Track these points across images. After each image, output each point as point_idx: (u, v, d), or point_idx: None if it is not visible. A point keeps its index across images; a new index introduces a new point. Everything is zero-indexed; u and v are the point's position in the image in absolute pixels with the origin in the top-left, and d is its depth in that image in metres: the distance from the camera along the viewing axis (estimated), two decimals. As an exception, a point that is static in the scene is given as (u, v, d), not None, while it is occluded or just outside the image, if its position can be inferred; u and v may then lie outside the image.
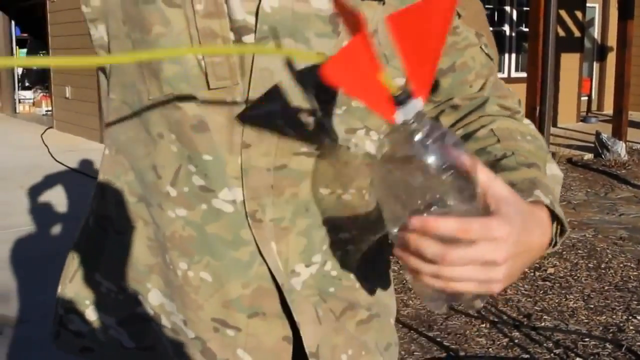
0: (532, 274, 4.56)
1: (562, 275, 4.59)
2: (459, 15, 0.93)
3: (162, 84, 0.82)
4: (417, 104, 0.58)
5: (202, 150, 0.82)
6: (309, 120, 0.84)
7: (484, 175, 0.66)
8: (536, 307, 4.04)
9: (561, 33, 10.81)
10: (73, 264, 0.97)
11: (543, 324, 3.81)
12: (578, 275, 4.60)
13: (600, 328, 3.77)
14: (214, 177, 0.82)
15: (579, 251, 5.09)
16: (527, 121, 0.96)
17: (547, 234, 0.75)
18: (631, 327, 3.78)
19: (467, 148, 0.70)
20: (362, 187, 0.89)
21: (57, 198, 6.51)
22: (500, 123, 0.92)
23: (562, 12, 10.70)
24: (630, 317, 3.91)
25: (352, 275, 0.94)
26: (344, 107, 0.85)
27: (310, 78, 0.82)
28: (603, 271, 4.69)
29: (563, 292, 4.29)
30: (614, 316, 3.93)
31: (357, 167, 0.88)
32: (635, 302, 4.14)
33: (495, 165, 0.84)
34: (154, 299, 0.90)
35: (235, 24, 0.79)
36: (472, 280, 0.64)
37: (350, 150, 0.87)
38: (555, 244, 0.79)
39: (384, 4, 0.83)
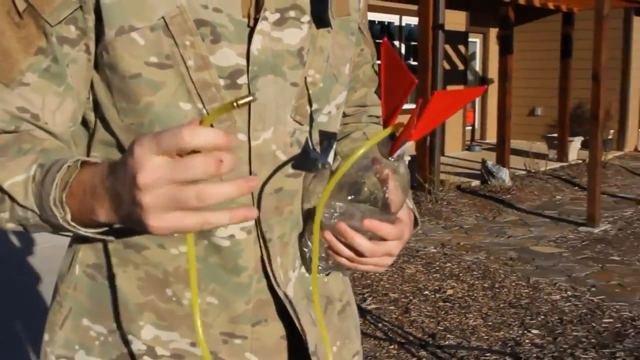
0: (433, 296, 4.80)
1: (460, 295, 4.84)
2: (364, 38, 1.14)
3: None
4: (407, 144, 0.82)
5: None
6: (292, 140, 0.95)
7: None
8: (439, 327, 4.25)
9: (446, 66, 11.35)
10: (61, 311, 1.00)
11: (447, 342, 4.02)
12: (475, 295, 4.87)
13: (500, 343, 4.02)
14: None
15: (474, 272, 5.39)
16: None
17: (412, 229, 1.03)
18: (527, 341, 4.05)
19: (342, 144, 1.15)
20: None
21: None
22: (370, 128, 1.20)
23: (447, 47, 11.26)
24: (525, 332, 4.19)
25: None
26: (312, 123, 0.98)
27: (289, 103, 0.94)
28: (497, 290, 4.98)
29: (463, 311, 4.54)
30: (511, 331, 4.20)
31: (324, 179, 1.02)
32: (529, 318, 4.44)
33: None
34: (147, 334, 0.95)
35: (227, 70, 0.88)
36: (376, 265, 0.94)
37: (323, 166, 1.01)
38: None
39: (329, 32, 0.98)
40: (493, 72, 12.54)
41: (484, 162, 9.35)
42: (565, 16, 11.21)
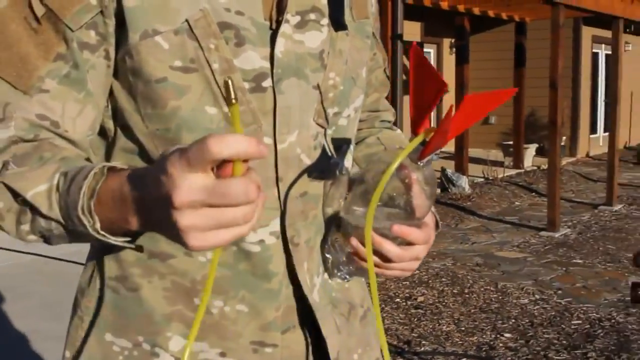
0: (404, 304, 4.83)
1: (431, 302, 4.88)
2: (377, 42, 1.13)
3: None
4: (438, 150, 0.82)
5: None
6: (315, 143, 0.95)
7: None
8: (413, 334, 4.28)
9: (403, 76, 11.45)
10: (83, 326, 0.97)
11: (422, 349, 4.05)
12: (446, 301, 4.92)
13: (474, 348, 4.06)
14: None
15: (443, 279, 5.44)
16: (398, 131, 1.24)
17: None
18: (500, 345, 4.10)
19: (357, 150, 1.14)
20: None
21: None
22: (383, 133, 1.19)
23: (403, 57, 11.36)
24: (498, 336, 4.25)
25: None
26: (333, 127, 0.98)
27: (312, 106, 0.94)
28: (467, 296, 5.04)
29: (435, 317, 4.58)
30: (484, 336, 4.25)
31: (342, 185, 1.01)
32: (500, 322, 4.50)
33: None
34: (175, 345, 0.93)
35: (251, 73, 0.88)
36: (403, 269, 0.92)
37: (341, 172, 1.00)
38: None
39: (347, 34, 0.98)
40: (448, 82, 12.68)
41: (443, 170, 9.47)
42: (518, 26, 11.44)
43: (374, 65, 1.15)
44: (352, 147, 1.04)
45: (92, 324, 0.96)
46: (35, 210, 0.77)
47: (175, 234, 0.63)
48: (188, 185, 0.60)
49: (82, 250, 5.20)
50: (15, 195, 0.78)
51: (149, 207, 0.66)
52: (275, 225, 0.93)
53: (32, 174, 0.78)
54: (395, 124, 1.26)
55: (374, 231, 0.85)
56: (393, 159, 0.77)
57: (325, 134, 0.97)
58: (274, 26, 0.90)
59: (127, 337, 0.94)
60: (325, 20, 0.95)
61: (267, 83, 0.89)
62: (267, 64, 0.89)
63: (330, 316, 1.00)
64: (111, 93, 0.90)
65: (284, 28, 0.90)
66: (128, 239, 0.76)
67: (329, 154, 0.98)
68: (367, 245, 0.80)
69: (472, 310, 4.72)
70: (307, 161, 0.95)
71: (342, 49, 0.97)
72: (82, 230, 0.74)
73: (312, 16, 0.93)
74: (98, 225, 0.73)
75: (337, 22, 0.96)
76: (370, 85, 1.17)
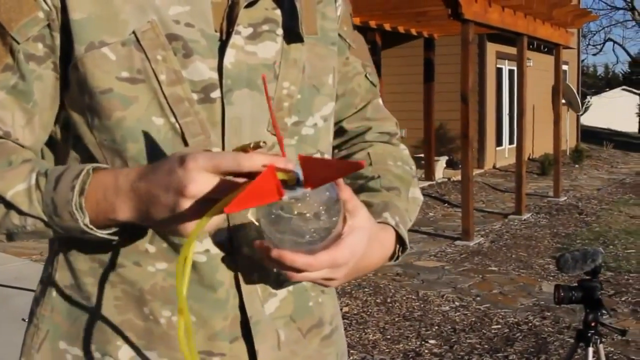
0: (330, 314, 4.87)
1: (356, 312, 4.95)
2: (349, 47, 1.09)
3: (128, 161, 0.88)
4: (305, 190, 0.75)
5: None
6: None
7: (351, 206, 0.85)
8: (341, 344, 4.32)
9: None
10: (38, 334, 0.98)
11: (352, 358, 4.10)
12: (370, 310, 5.00)
13: (401, 355, 4.14)
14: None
15: (366, 289, 5.52)
16: (402, 147, 1.16)
17: (388, 250, 0.96)
18: (426, 351, 4.20)
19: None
20: None
21: None
22: (376, 148, 1.12)
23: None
24: (423, 342, 4.35)
25: (317, 288, 1.04)
26: (296, 137, 0.96)
27: (265, 117, 0.93)
28: (390, 305, 5.13)
29: (361, 327, 4.64)
30: (410, 343, 4.35)
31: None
32: (424, 329, 4.60)
33: (364, 186, 1.04)
34: (124, 354, 0.93)
35: (200, 85, 0.88)
36: (316, 279, 0.85)
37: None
38: (397, 258, 0.99)
39: (303, 44, 0.97)
40: (361, 96, 12.88)
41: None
42: (427, 42, 11.78)
43: (351, 72, 1.10)
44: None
45: (47, 332, 0.97)
46: (13, 209, 0.82)
47: (171, 219, 0.75)
48: (204, 180, 0.73)
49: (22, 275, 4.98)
50: None
51: (152, 195, 0.76)
52: (222, 235, 0.92)
53: (8, 175, 0.83)
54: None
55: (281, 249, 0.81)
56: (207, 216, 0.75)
57: (288, 145, 0.96)
58: (224, 37, 0.91)
59: (79, 346, 0.95)
60: (281, 31, 0.95)
61: (215, 94, 0.89)
62: (216, 75, 0.89)
63: (272, 330, 0.97)
64: (63, 104, 0.91)
65: (234, 39, 0.90)
66: (111, 231, 0.84)
67: None
68: (179, 269, 0.78)
69: (396, 319, 4.82)
70: None
71: (296, 57, 0.96)
72: (69, 225, 0.81)
73: (266, 27, 0.94)
74: (87, 220, 0.80)
75: (291, 33, 0.96)
76: (355, 94, 1.12)
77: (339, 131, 1.13)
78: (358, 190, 1.04)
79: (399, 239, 0.98)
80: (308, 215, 0.77)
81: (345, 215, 0.84)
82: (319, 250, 0.81)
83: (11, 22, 0.85)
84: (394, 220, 0.97)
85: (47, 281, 0.98)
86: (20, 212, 0.83)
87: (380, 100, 1.17)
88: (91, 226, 0.81)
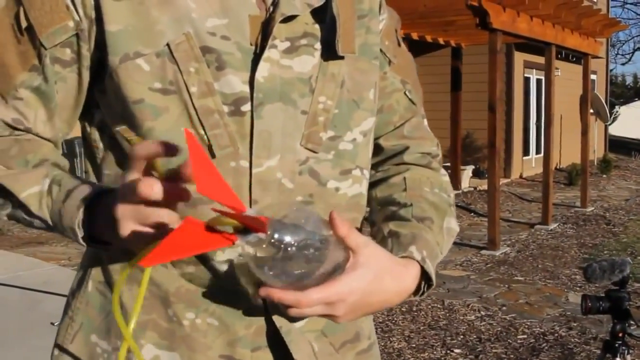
0: (355, 322, 4.88)
1: (381, 320, 4.96)
2: (390, 62, 1.07)
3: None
4: (258, 235, 0.73)
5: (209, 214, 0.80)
6: (302, 168, 0.93)
7: (353, 243, 0.83)
8: (366, 351, 4.33)
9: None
10: (72, 326, 1.02)
11: (376, 365, 4.11)
12: (395, 319, 5.00)
13: (426, 363, 4.14)
14: None
15: (391, 297, 5.52)
16: (442, 172, 1.12)
17: (408, 285, 0.91)
18: (451, 360, 4.20)
19: (379, 189, 1.05)
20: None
21: None
22: (414, 172, 1.07)
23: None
24: (448, 352, 4.35)
25: None
26: (332, 151, 0.96)
27: (299, 131, 0.93)
28: (415, 313, 5.13)
29: (386, 335, 4.65)
30: (435, 352, 4.34)
31: (346, 206, 0.99)
32: (449, 338, 4.60)
33: (395, 214, 1.02)
34: (147, 353, 0.95)
35: (231, 97, 0.89)
36: (311, 315, 0.84)
37: (338, 192, 0.98)
38: (423, 294, 0.95)
39: (343, 58, 0.96)
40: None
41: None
42: (454, 51, 11.76)
43: (389, 87, 1.08)
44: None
45: (81, 324, 1.01)
46: (22, 208, 0.89)
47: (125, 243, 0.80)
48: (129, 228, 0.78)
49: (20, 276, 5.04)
50: (7, 193, 0.89)
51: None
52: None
53: (23, 177, 0.89)
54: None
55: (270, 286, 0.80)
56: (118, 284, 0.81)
57: (323, 159, 0.95)
58: (258, 51, 0.91)
59: (108, 341, 0.98)
60: (319, 45, 0.95)
61: (246, 107, 0.90)
62: (247, 89, 0.90)
63: (305, 341, 0.98)
64: (98, 106, 0.95)
65: (269, 53, 0.90)
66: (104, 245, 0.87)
67: (325, 179, 0.95)
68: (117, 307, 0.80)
69: (422, 328, 4.82)
70: (290, 185, 0.93)
71: (334, 72, 0.96)
72: (69, 235, 0.88)
73: (304, 41, 0.94)
74: (82, 236, 0.86)
75: (331, 48, 0.95)
76: (394, 111, 1.09)
77: (376, 148, 1.09)
78: (389, 218, 1.03)
79: (425, 274, 0.94)
80: (282, 256, 0.74)
81: (349, 250, 0.83)
82: (312, 286, 0.80)
83: (42, 26, 0.89)
84: (421, 254, 0.94)
85: (84, 275, 1.03)
86: (29, 213, 0.88)
87: (422, 119, 1.14)
88: (83, 242, 0.87)
